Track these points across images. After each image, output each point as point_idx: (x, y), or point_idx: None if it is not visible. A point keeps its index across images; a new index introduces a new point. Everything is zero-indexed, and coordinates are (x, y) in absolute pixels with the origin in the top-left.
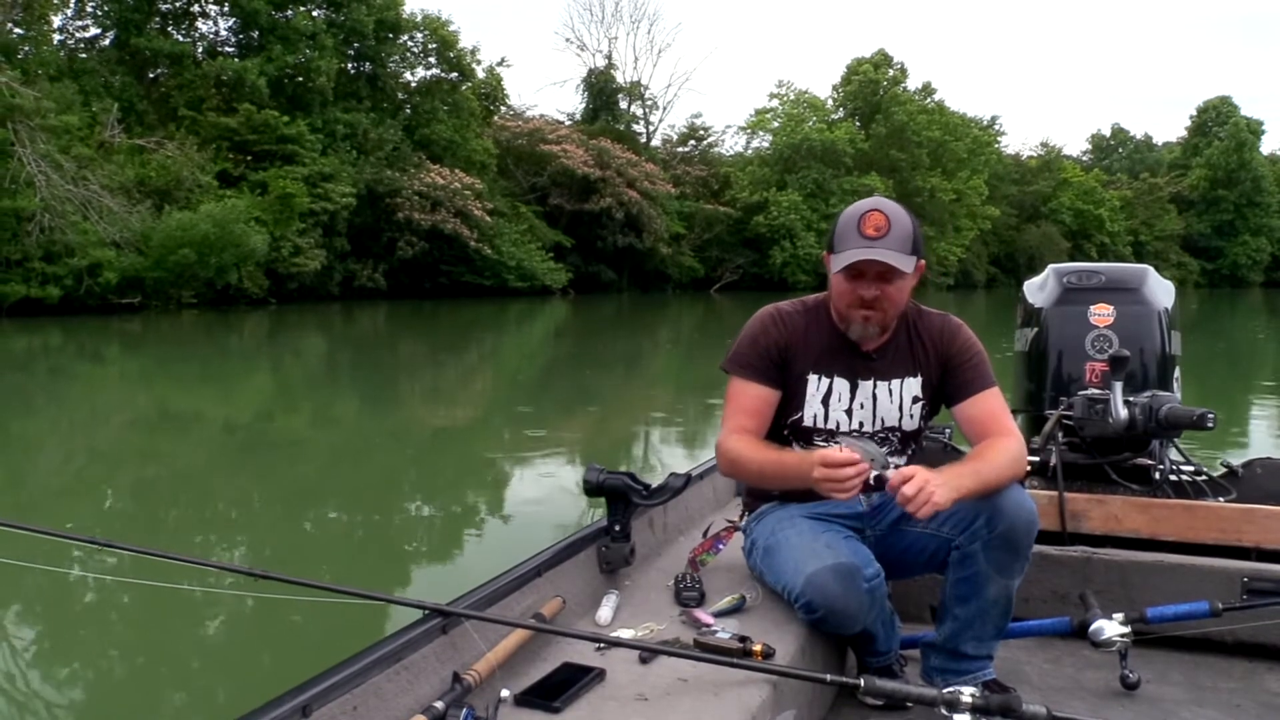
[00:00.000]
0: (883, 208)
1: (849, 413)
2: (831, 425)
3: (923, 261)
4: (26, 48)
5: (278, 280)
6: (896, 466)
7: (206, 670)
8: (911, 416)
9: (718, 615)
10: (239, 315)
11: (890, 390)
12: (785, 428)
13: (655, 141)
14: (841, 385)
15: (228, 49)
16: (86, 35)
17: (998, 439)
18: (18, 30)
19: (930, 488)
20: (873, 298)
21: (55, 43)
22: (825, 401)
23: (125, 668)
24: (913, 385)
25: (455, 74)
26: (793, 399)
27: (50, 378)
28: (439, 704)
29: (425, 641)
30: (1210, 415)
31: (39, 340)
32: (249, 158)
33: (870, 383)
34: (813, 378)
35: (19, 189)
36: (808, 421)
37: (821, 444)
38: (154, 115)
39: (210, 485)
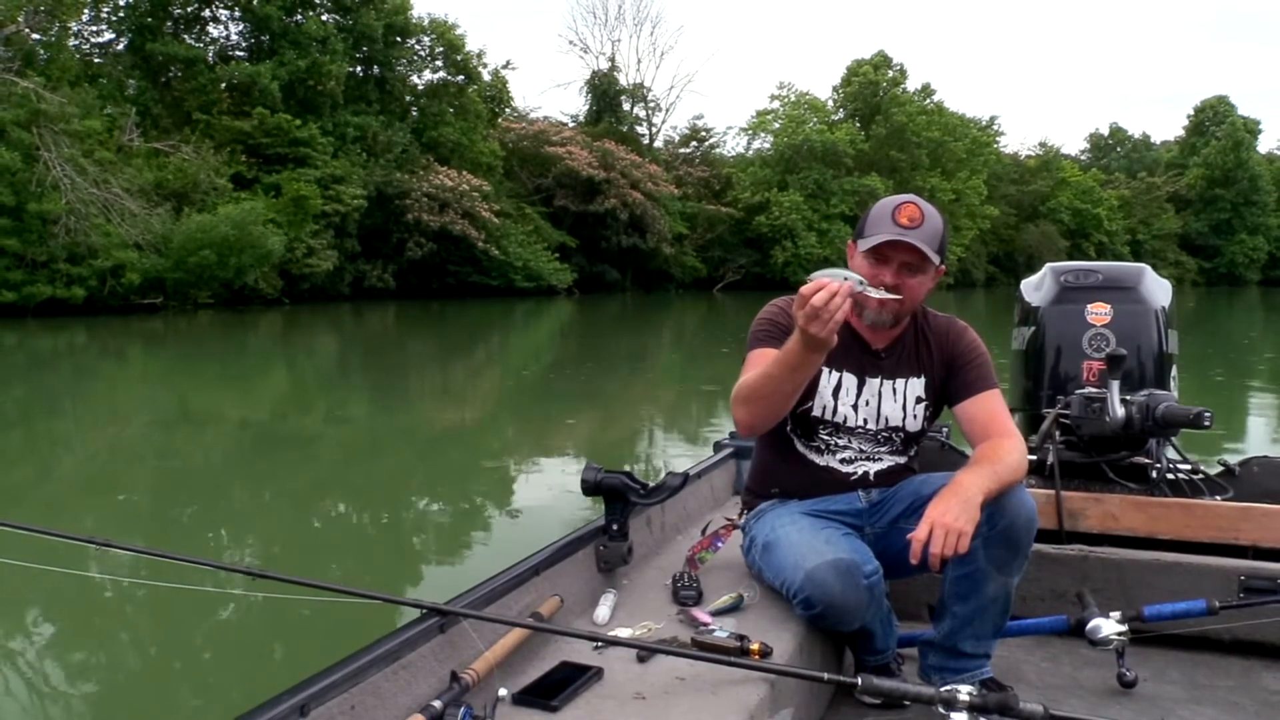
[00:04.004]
0: (918, 203)
1: (855, 408)
2: (839, 419)
3: (943, 266)
4: (44, 53)
5: (291, 280)
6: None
7: (205, 669)
8: (915, 417)
9: (715, 614)
10: (254, 315)
11: (895, 389)
12: (792, 419)
13: (658, 143)
14: (850, 380)
15: (239, 53)
16: (101, 40)
17: (1001, 439)
18: (35, 35)
19: (956, 526)
20: (893, 285)
21: (71, 48)
22: (834, 394)
23: (123, 667)
24: (916, 386)
25: (462, 77)
26: (804, 388)
27: (75, 376)
28: (437, 703)
29: (423, 641)
30: (1207, 414)
31: (64, 340)
32: (261, 160)
33: (877, 380)
34: (824, 370)
35: (44, 192)
36: (816, 412)
37: (826, 437)
38: (169, 119)
39: (224, 483)
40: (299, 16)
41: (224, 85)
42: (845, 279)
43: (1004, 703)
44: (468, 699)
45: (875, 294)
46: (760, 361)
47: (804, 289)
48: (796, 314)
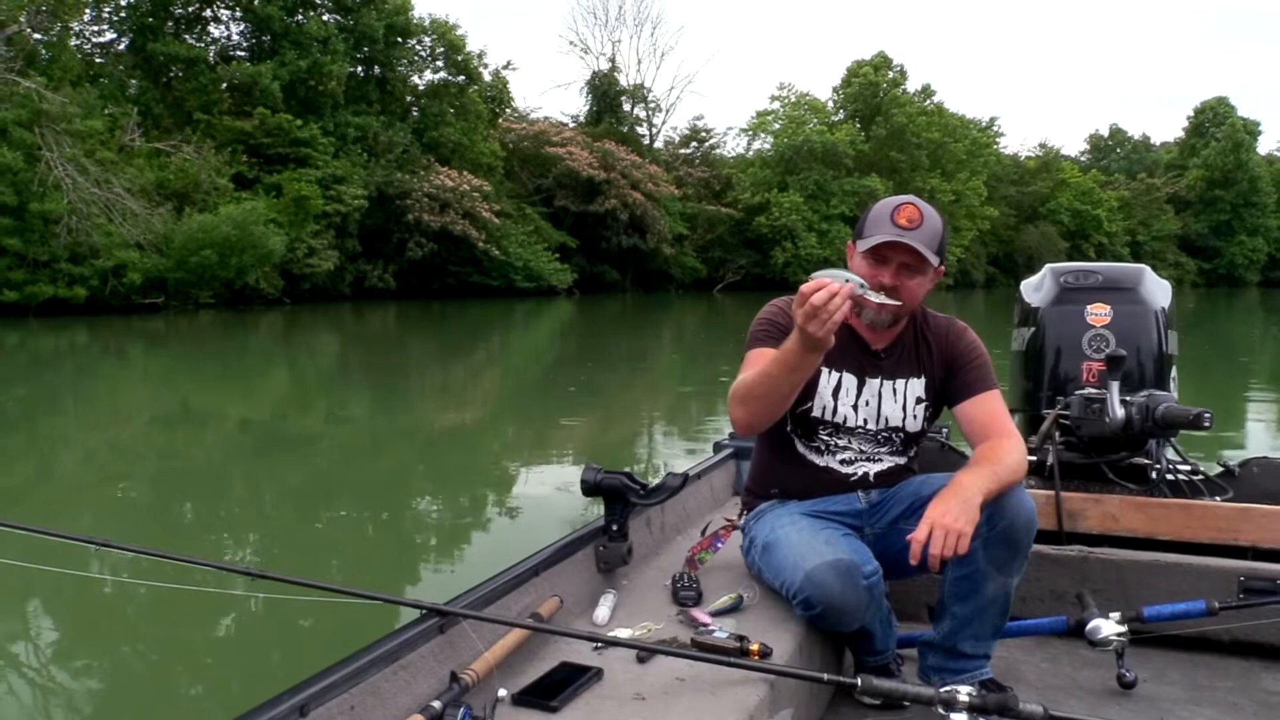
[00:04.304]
0: (918, 204)
1: (855, 408)
2: (839, 419)
3: (943, 267)
4: (45, 53)
5: (292, 280)
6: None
7: (204, 670)
8: (915, 417)
9: (715, 614)
10: (255, 315)
11: (895, 389)
12: (792, 419)
13: (658, 143)
14: (850, 381)
15: (240, 54)
16: (102, 40)
17: (1001, 440)
18: (37, 35)
19: (956, 526)
20: (891, 286)
21: (72, 48)
22: (834, 394)
23: (123, 667)
24: (916, 386)
25: (462, 77)
26: (804, 389)
27: (77, 376)
28: (436, 703)
29: (423, 641)
30: (1207, 415)
31: (65, 339)
32: (262, 161)
33: (877, 381)
34: (824, 370)
35: (46, 192)
36: (815, 412)
37: (826, 437)
38: (170, 119)
39: (225, 483)
40: (300, 17)
41: (225, 85)
42: (846, 280)
43: (1003, 703)
44: (467, 699)
45: (875, 298)
46: (759, 361)
47: (804, 287)
48: (796, 312)
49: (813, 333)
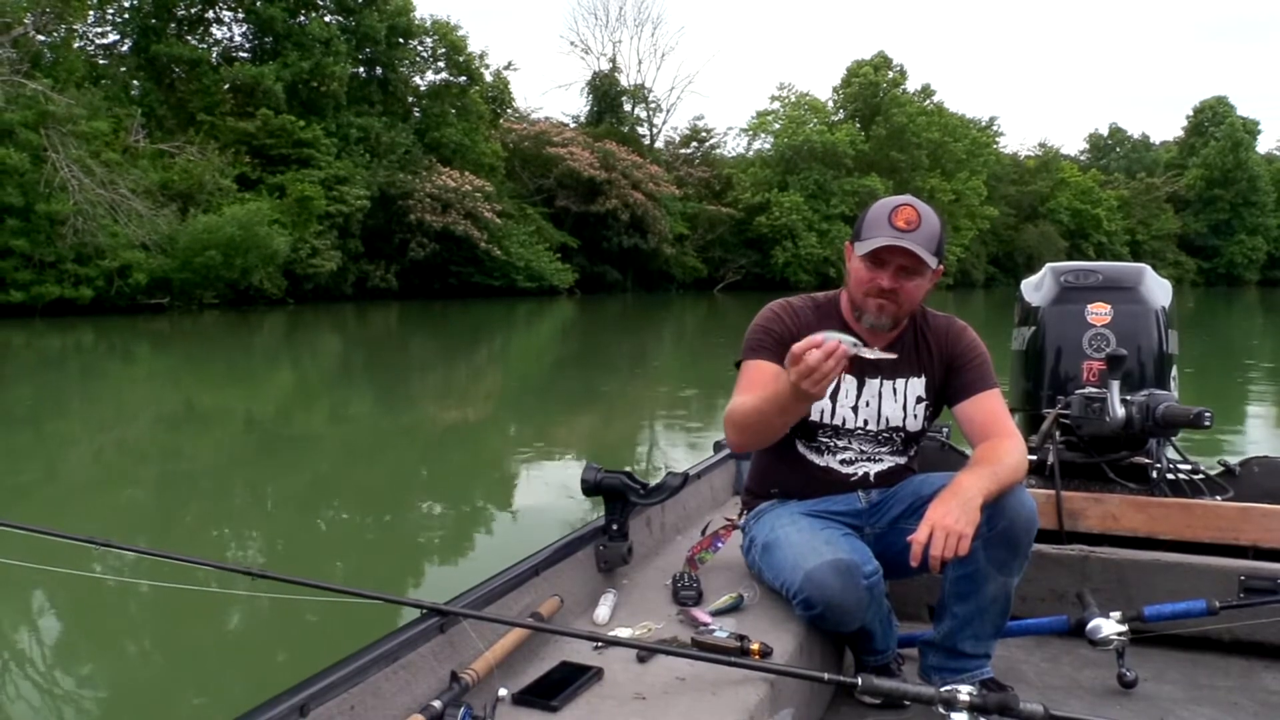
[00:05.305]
0: (915, 205)
1: (855, 409)
2: (838, 421)
3: (941, 267)
4: (50, 55)
5: (295, 281)
6: (868, 347)
7: (205, 669)
8: (915, 417)
9: (715, 614)
10: (258, 315)
11: (895, 389)
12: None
13: (659, 143)
14: (849, 382)
15: (242, 55)
16: (106, 42)
17: (1001, 439)
18: (40, 37)
19: (956, 528)
20: (890, 289)
21: (76, 49)
22: (833, 397)
23: (124, 666)
24: (917, 385)
25: (464, 78)
26: None
27: (82, 376)
28: (437, 703)
29: (423, 641)
30: (1207, 414)
31: (71, 339)
32: (265, 161)
33: (876, 381)
34: None
35: (52, 193)
36: (815, 416)
37: (826, 439)
38: (173, 120)
39: (228, 482)
40: (302, 18)
41: (228, 86)
42: (840, 341)
43: (1004, 703)
44: (468, 699)
45: (870, 354)
46: (754, 374)
47: (796, 347)
48: (789, 370)
49: (807, 390)
